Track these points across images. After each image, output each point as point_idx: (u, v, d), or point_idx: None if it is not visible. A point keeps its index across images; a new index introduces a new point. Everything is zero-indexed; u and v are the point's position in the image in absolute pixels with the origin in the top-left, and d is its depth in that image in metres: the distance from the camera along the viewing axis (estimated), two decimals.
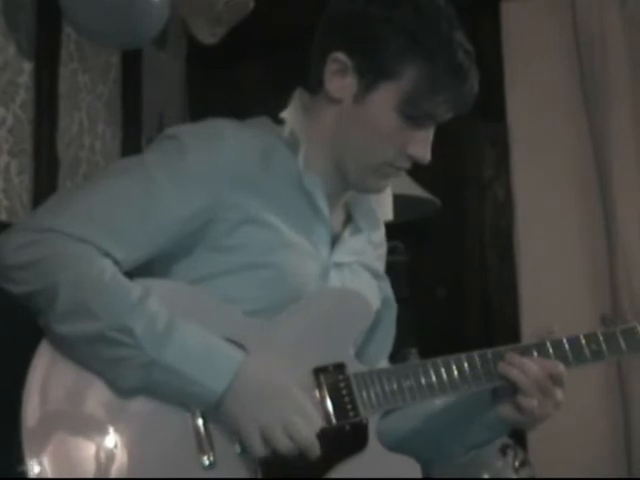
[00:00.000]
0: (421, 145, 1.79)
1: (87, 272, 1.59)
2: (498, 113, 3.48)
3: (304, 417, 1.62)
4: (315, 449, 1.62)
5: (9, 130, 2.79)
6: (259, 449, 1.60)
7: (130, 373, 1.58)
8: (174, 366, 1.58)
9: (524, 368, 1.74)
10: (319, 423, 1.65)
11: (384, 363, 1.98)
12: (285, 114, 1.84)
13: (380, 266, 2.00)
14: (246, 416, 1.60)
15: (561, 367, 1.75)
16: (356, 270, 1.90)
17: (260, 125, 1.85)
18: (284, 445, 1.59)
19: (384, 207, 1.97)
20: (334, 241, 1.87)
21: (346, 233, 1.90)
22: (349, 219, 1.93)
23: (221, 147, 1.73)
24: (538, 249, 3.43)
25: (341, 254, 1.86)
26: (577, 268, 3.40)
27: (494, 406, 1.79)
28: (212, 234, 1.72)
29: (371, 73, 1.76)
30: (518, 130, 3.50)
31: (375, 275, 1.96)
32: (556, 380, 1.75)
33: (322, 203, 1.81)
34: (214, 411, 1.60)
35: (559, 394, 1.75)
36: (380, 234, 2.00)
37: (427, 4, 1.77)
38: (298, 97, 1.88)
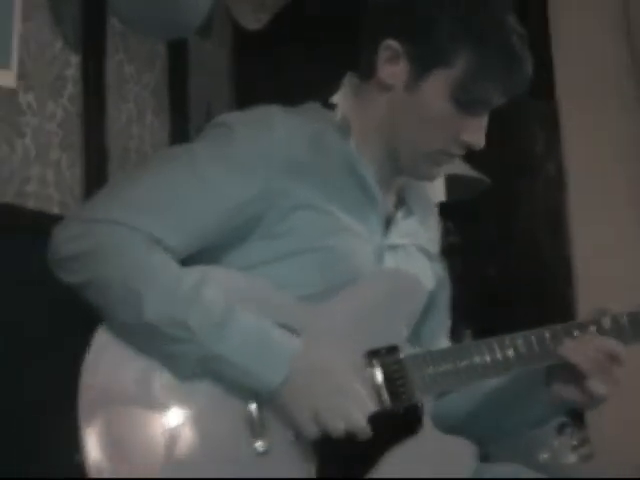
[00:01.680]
0: (475, 132, 1.78)
1: (138, 262, 1.60)
2: (548, 90, 3.44)
3: (356, 402, 1.62)
4: (366, 434, 1.62)
5: (59, 124, 2.81)
6: (312, 433, 1.60)
7: (186, 365, 1.60)
8: (230, 359, 1.58)
9: (583, 350, 1.73)
10: (371, 407, 1.64)
11: (444, 343, 1.97)
12: (336, 99, 1.84)
13: (434, 248, 1.99)
14: (299, 403, 1.60)
15: (620, 346, 1.74)
16: (410, 252, 1.89)
17: (310, 111, 1.84)
18: (336, 430, 1.59)
19: (435, 189, 1.96)
20: (387, 224, 1.86)
21: (399, 216, 1.89)
22: (401, 202, 1.92)
23: (271, 135, 1.72)
24: (591, 226, 3.39)
25: (395, 237, 1.86)
26: (632, 245, 3.36)
27: (550, 386, 1.78)
28: (264, 222, 1.71)
29: (423, 60, 1.75)
30: (568, 107, 3.47)
31: (429, 257, 1.95)
32: (615, 359, 1.73)
33: (374, 187, 1.80)
34: (268, 400, 1.61)
35: (617, 373, 1.74)
36: (432, 216, 2.00)
37: None
38: (348, 82, 1.87)
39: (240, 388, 1.61)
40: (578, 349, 1.73)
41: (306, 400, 1.60)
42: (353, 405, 1.61)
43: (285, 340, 1.62)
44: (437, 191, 1.96)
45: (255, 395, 1.61)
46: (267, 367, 1.59)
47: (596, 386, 1.72)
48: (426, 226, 1.96)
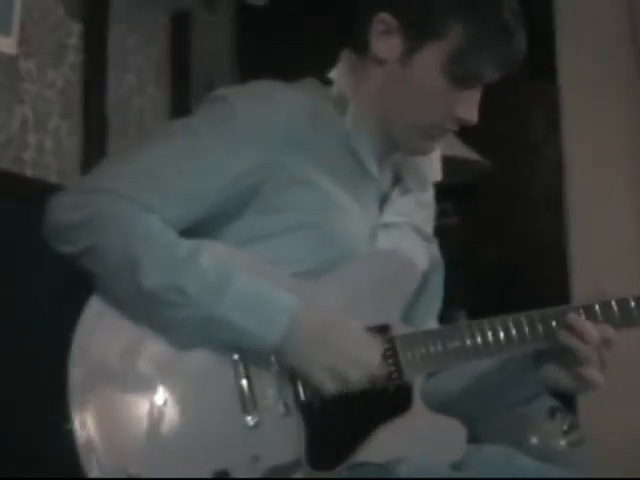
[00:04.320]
0: (468, 106, 1.77)
1: (135, 229, 1.61)
2: (549, 72, 3.43)
3: (365, 346, 1.65)
4: (383, 373, 1.66)
5: (59, 92, 2.80)
6: (331, 388, 1.63)
7: (185, 331, 1.60)
8: (228, 320, 1.59)
9: (586, 336, 1.71)
10: (381, 347, 1.67)
11: (433, 324, 1.98)
12: (333, 74, 1.84)
13: (428, 227, 1.99)
14: (309, 361, 1.62)
15: (611, 330, 1.73)
16: (405, 231, 1.89)
17: (308, 86, 1.84)
18: (355, 376, 1.63)
19: (433, 167, 1.95)
20: (383, 201, 1.86)
21: (395, 193, 1.88)
22: (398, 180, 1.91)
23: (270, 109, 1.72)
24: (590, 210, 3.38)
25: (390, 215, 1.86)
26: (630, 230, 3.35)
27: (539, 368, 1.77)
28: (260, 196, 1.71)
29: (416, 33, 1.75)
30: (569, 89, 3.45)
31: (424, 237, 1.95)
32: (607, 344, 1.73)
33: (370, 162, 1.80)
34: (280, 357, 1.62)
35: (606, 358, 1.74)
36: (428, 195, 1.99)
37: None
38: (345, 58, 1.86)
39: (231, 361, 1.62)
40: (579, 334, 1.71)
41: (315, 357, 1.62)
42: (364, 349, 1.65)
43: (284, 299, 1.63)
44: (435, 171, 1.95)
45: (246, 369, 1.62)
46: (266, 325, 1.60)
47: (594, 374, 1.71)
48: (422, 205, 1.95)
